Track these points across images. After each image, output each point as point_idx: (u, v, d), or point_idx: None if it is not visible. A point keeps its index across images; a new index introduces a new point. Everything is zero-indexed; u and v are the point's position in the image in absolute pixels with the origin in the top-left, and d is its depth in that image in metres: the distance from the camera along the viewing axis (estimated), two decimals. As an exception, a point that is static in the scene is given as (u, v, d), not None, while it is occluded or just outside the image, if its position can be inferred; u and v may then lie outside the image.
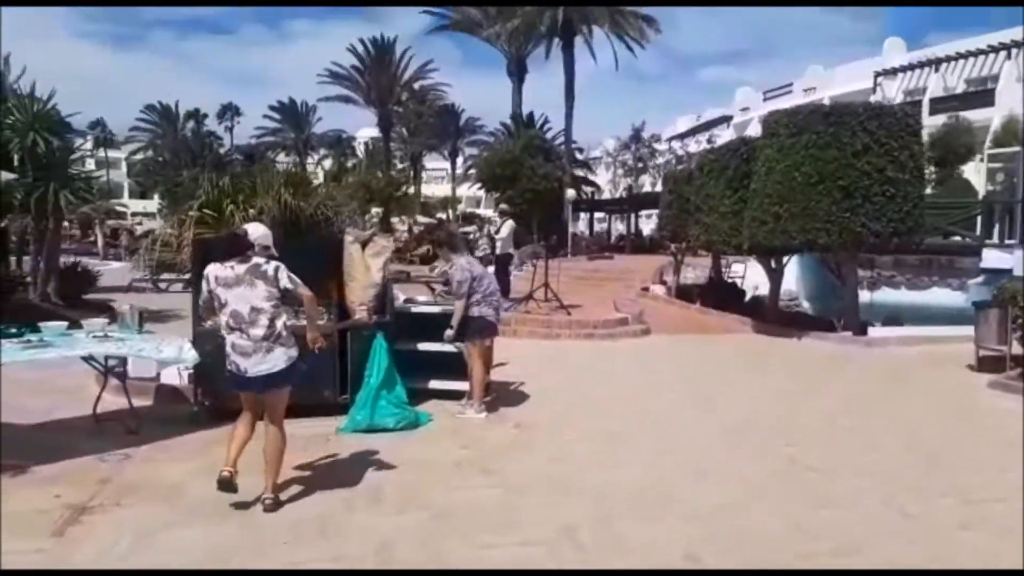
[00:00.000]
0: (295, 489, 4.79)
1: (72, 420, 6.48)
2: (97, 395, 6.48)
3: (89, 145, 31.37)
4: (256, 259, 4.49)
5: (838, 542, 4.06)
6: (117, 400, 6.49)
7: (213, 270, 4.48)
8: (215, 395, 6.29)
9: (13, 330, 5.39)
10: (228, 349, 4.44)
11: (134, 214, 50.95)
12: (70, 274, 14.47)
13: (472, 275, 6.86)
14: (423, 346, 7.34)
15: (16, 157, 11.65)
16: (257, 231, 4.76)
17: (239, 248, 4.50)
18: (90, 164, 25.97)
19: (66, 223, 27.58)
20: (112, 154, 67.32)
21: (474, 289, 6.83)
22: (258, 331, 4.36)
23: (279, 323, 4.42)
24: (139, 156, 63.19)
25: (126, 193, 62.89)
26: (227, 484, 4.33)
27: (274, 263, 4.50)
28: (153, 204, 46.72)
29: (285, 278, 4.45)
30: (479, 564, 3.74)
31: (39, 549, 3.85)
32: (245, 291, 4.39)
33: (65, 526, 4.17)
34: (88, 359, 5.96)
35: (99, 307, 12.04)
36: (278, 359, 4.40)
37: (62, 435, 6.00)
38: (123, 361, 6.27)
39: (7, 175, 10.51)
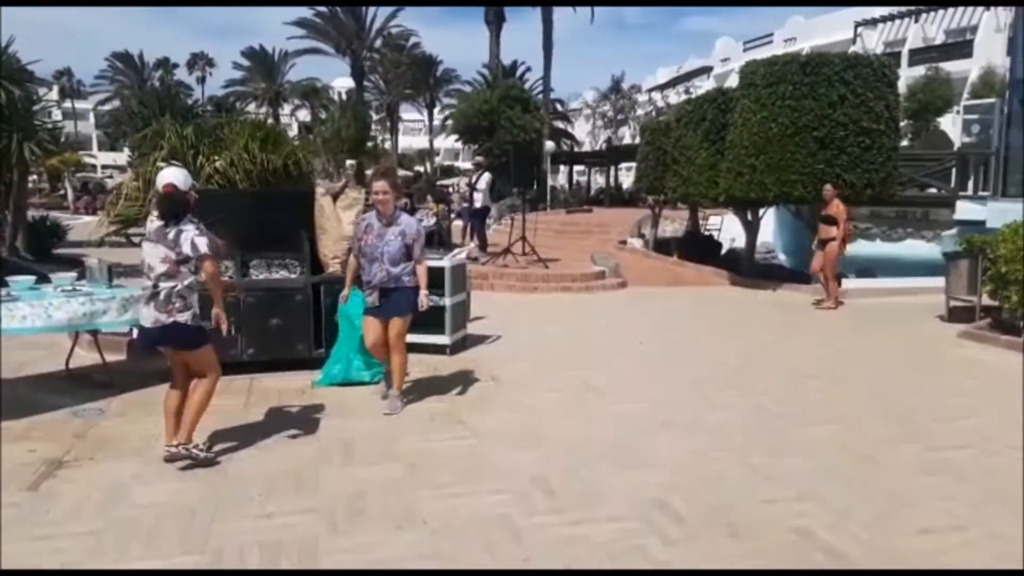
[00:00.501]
0: (269, 442, 4.83)
1: (45, 375, 6.46)
2: (69, 350, 6.45)
3: (54, 95, 30.58)
4: (171, 226, 4.34)
5: (800, 488, 4.17)
6: (90, 355, 6.48)
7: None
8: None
9: (-21, 285, 5.31)
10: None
11: (104, 167, 49.98)
12: (39, 228, 14.24)
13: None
14: (398, 299, 7.32)
15: (-24, 108, 11.35)
16: (180, 179, 4.49)
17: (176, 208, 4.37)
18: (56, 115, 25.33)
19: (34, 177, 27.06)
20: (80, 105, 65.77)
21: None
22: (151, 284, 4.35)
23: (173, 283, 4.32)
24: (107, 107, 61.67)
25: (95, 145, 61.53)
26: (173, 460, 4.37)
27: (185, 229, 4.34)
28: (123, 156, 45.84)
29: (197, 241, 4.32)
30: (448, 512, 3.80)
31: (14, 504, 3.86)
32: (148, 247, 4.38)
33: (40, 480, 4.18)
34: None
35: (70, 261, 11.88)
36: (160, 316, 4.32)
37: (35, 390, 5.99)
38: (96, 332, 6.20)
39: (-33, 127, 10.25)
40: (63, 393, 5.85)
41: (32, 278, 5.92)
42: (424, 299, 5.63)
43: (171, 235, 4.34)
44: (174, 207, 4.36)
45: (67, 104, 59.91)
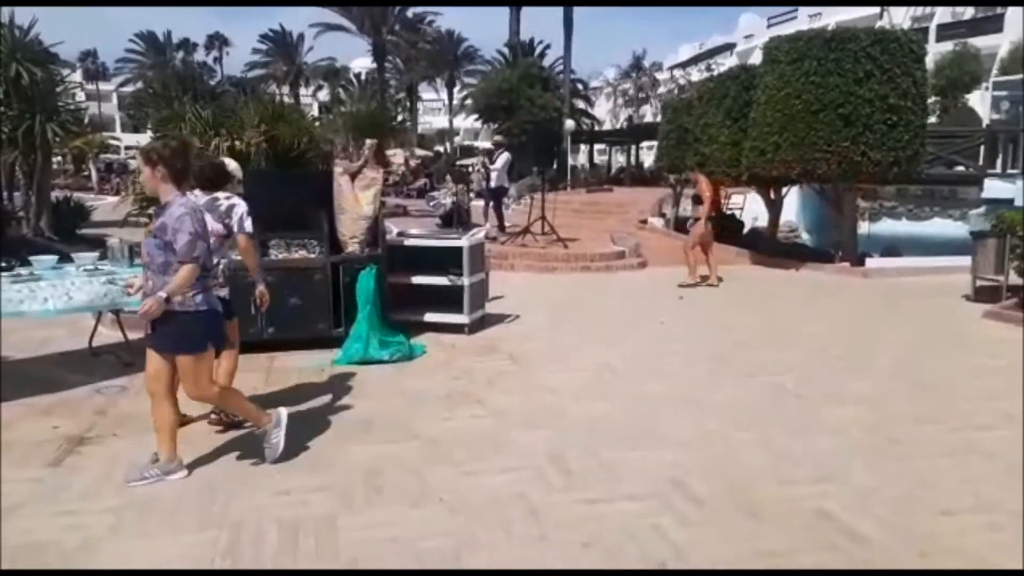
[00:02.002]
0: (290, 420, 4.82)
1: (68, 353, 6.54)
2: (92, 328, 6.52)
3: (78, 76, 30.78)
4: (221, 195, 4.56)
5: (819, 469, 4.12)
6: (112, 333, 6.55)
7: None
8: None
9: (3, 264, 5.36)
10: None
11: (127, 148, 50.34)
12: (63, 208, 14.39)
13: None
14: (417, 279, 7.34)
15: (0, 90, 11.43)
16: (232, 164, 4.88)
17: (219, 178, 4.58)
18: (80, 96, 25.49)
19: (59, 158, 27.32)
20: (104, 87, 66.19)
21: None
22: None
23: (216, 258, 4.38)
24: (129, 88, 62.05)
25: (118, 126, 61.97)
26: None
27: (237, 202, 4.59)
28: (145, 138, 46.07)
29: (245, 218, 4.56)
30: (465, 490, 3.81)
31: (37, 479, 3.92)
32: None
33: (63, 456, 4.24)
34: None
35: (93, 241, 12.00)
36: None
37: (59, 368, 6.07)
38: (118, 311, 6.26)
39: (-8, 108, 10.34)
40: (86, 371, 5.92)
41: (55, 258, 5.98)
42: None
43: (223, 207, 4.46)
44: (220, 178, 4.58)
45: (91, 86, 60.32)
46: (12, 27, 12.25)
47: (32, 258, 5.75)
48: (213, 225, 4.35)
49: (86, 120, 18.45)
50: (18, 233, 12.38)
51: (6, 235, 11.60)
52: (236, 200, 4.65)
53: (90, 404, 5.15)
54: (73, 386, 5.50)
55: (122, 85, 64.78)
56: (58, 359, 6.36)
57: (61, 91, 13.98)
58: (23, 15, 12.68)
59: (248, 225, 4.62)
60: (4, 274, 5.27)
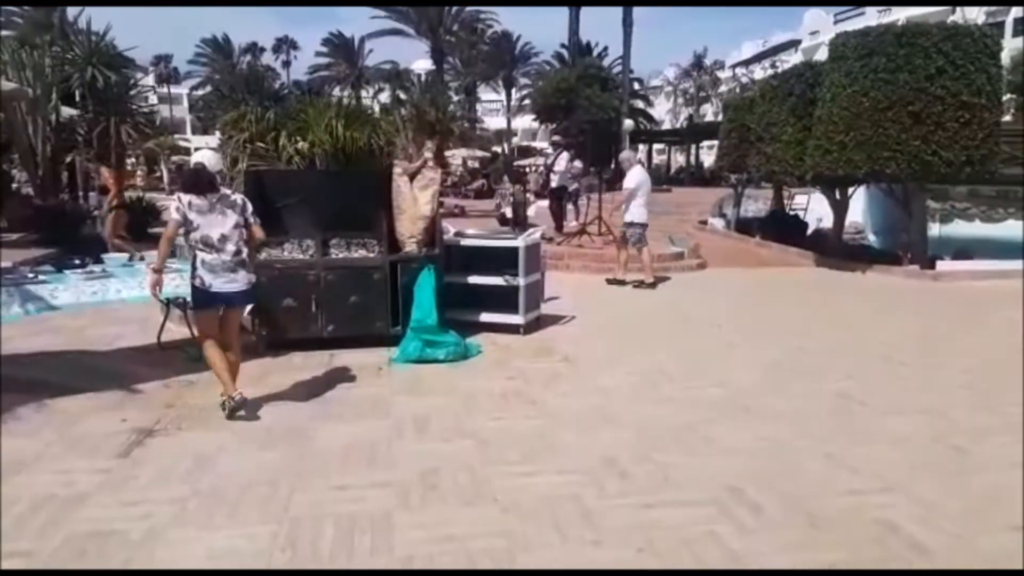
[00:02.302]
0: (347, 416, 4.94)
1: (138, 348, 6.78)
2: (161, 324, 6.74)
3: (150, 80, 31.87)
4: (224, 190, 4.92)
5: (884, 479, 3.99)
6: (180, 329, 6.75)
7: (188, 197, 4.81)
8: (272, 325, 6.49)
9: (77, 261, 5.60)
10: (197, 264, 4.80)
11: (196, 149, 51.98)
12: (135, 209, 14.91)
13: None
14: (473, 279, 7.38)
15: (77, 93, 11.91)
16: (210, 160, 5.21)
17: (204, 184, 4.85)
18: (152, 99, 26.39)
19: (132, 159, 28.34)
20: (175, 90, 68.39)
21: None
22: (225, 256, 4.78)
23: (243, 249, 4.87)
24: (199, 92, 63.99)
25: (188, 128, 63.98)
26: (240, 406, 4.80)
27: (240, 196, 4.96)
28: (214, 139, 47.51)
29: (250, 211, 4.92)
30: (519, 491, 3.81)
31: (105, 469, 4.07)
32: (216, 218, 4.79)
33: (131, 448, 4.39)
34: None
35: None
36: (240, 280, 4.86)
37: (129, 362, 6.29)
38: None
39: (69, 110, 10.77)
40: (154, 365, 6.13)
41: (126, 256, 6.21)
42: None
43: (239, 203, 4.87)
44: (204, 181, 4.86)
45: (163, 89, 62.38)
46: (89, 32, 12.76)
47: (105, 256, 5.99)
48: (236, 218, 4.84)
49: (158, 122, 19.09)
50: (92, 232, 12.89)
51: (81, 234, 12.09)
52: (240, 196, 5.00)
53: (158, 398, 5.33)
54: (142, 380, 5.70)
55: (193, 88, 66.84)
56: (129, 354, 6.60)
57: (135, 94, 14.52)
58: (99, 21, 13.21)
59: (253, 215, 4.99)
60: (79, 271, 5.52)
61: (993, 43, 11.50)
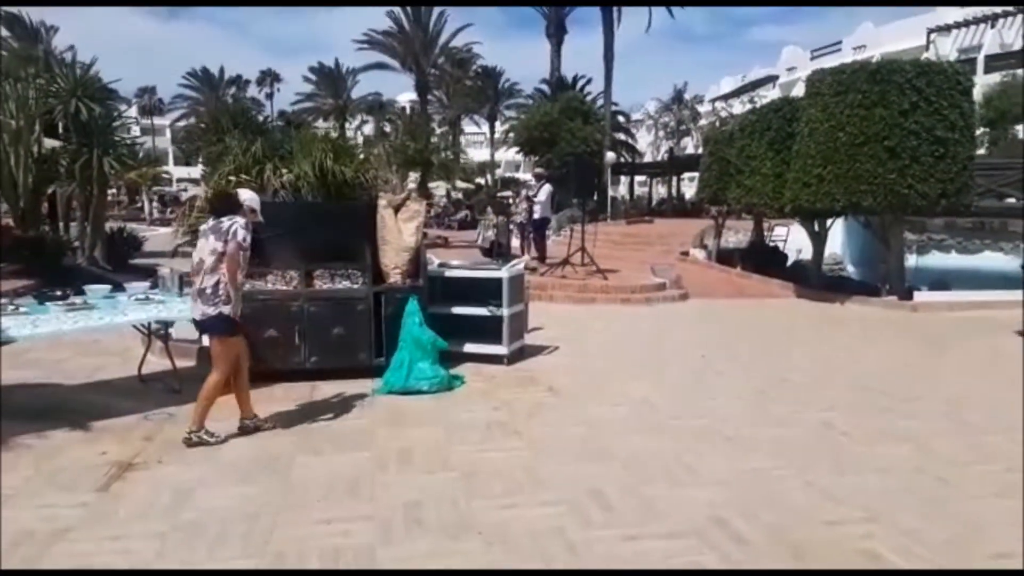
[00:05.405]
0: (329, 448, 4.90)
1: (118, 380, 6.70)
2: (142, 356, 6.68)
3: (133, 112, 31.92)
4: (227, 219, 4.84)
5: (866, 509, 4.02)
6: (161, 361, 6.69)
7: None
8: (254, 357, 6.43)
9: (59, 293, 5.55)
10: None
11: (179, 180, 51.83)
12: (116, 239, 14.85)
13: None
14: (457, 310, 7.39)
15: (60, 124, 11.91)
16: (244, 194, 5.17)
17: (217, 209, 4.93)
18: (135, 131, 26.39)
19: (113, 190, 28.24)
20: (158, 121, 68.43)
21: None
22: (197, 281, 4.81)
23: (216, 278, 4.76)
24: (182, 123, 64.00)
25: (171, 159, 63.88)
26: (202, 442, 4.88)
27: (236, 220, 4.82)
28: (196, 171, 47.43)
29: (232, 235, 4.75)
30: (504, 524, 3.79)
31: (83, 503, 4.00)
32: (201, 242, 4.85)
33: (110, 481, 4.33)
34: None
35: (145, 271, 12.34)
36: (196, 310, 4.84)
37: (109, 394, 6.21)
38: (167, 324, 6.43)
39: (52, 142, 10.75)
40: (135, 398, 6.05)
41: (108, 287, 6.17)
42: None
43: (224, 226, 4.79)
44: (224, 206, 4.90)
45: (146, 121, 62.37)
46: (74, 65, 12.79)
47: (87, 287, 5.94)
48: (214, 244, 4.75)
49: (141, 154, 19.07)
50: (73, 262, 12.79)
51: (62, 264, 12.00)
52: (237, 219, 4.89)
53: (138, 431, 5.26)
54: (122, 413, 5.62)
55: (176, 120, 66.86)
56: (109, 386, 6.52)
57: (118, 126, 14.52)
58: (91, 54, 13.28)
59: (240, 236, 4.80)
60: (59, 303, 5.47)
61: (965, 79, 11.82)
